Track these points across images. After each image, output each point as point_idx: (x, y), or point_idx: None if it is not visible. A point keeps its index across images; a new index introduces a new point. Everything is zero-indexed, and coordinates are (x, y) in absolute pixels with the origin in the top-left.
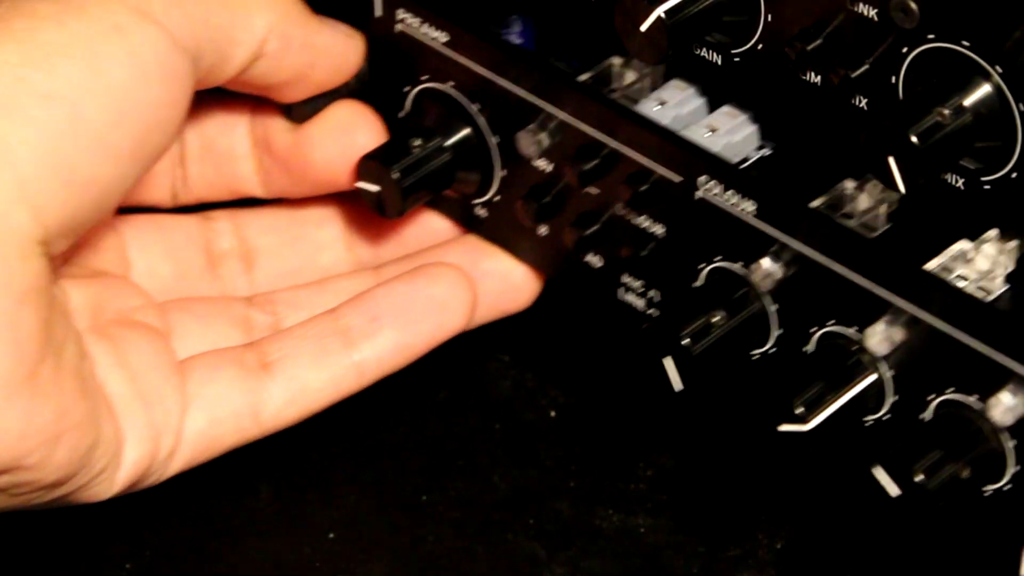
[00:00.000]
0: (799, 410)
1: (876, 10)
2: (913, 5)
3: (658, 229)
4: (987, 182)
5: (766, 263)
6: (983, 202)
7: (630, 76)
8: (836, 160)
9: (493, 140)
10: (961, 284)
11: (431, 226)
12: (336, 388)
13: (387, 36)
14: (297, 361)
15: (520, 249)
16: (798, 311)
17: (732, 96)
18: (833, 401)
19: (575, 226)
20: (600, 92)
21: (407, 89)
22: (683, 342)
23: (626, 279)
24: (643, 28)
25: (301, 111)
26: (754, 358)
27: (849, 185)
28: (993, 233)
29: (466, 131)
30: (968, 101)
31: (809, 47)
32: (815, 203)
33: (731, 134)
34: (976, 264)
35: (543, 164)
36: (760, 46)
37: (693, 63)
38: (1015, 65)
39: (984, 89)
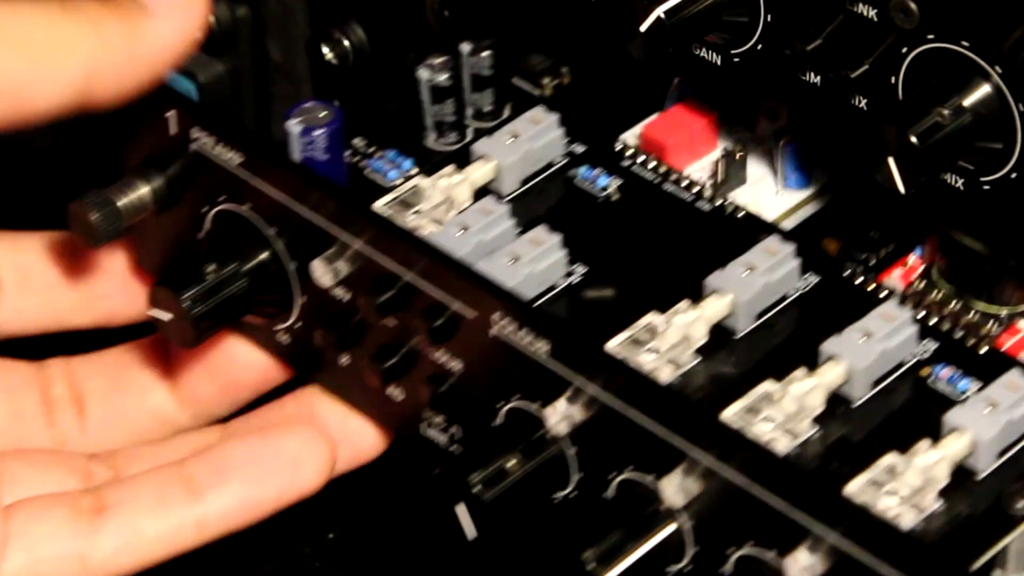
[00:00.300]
0: (590, 565)
1: (876, 10)
2: (913, 5)
3: (456, 364)
4: (987, 182)
5: (562, 405)
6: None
7: (436, 197)
8: (645, 289)
9: (291, 266)
10: (767, 427)
11: (248, 358)
12: (174, 540)
13: (183, 155)
14: (134, 507)
15: (324, 379)
16: (597, 455)
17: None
18: (632, 551)
19: (375, 358)
20: (395, 224)
21: (205, 209)
22: (474, 489)
23: (428, 413)
24: (643, 28)
25: (100, 230)
26: (556, 502)
27: (655, 319)
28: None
29: (263, 256)
30: (968, 101)
31: (809, 47)
32: (618, 339)
33: (535, 263)
34: (783, 406)
35: (341, 293)
36: (760, 46)
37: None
38: (1015, 65)
39: (984, 89)
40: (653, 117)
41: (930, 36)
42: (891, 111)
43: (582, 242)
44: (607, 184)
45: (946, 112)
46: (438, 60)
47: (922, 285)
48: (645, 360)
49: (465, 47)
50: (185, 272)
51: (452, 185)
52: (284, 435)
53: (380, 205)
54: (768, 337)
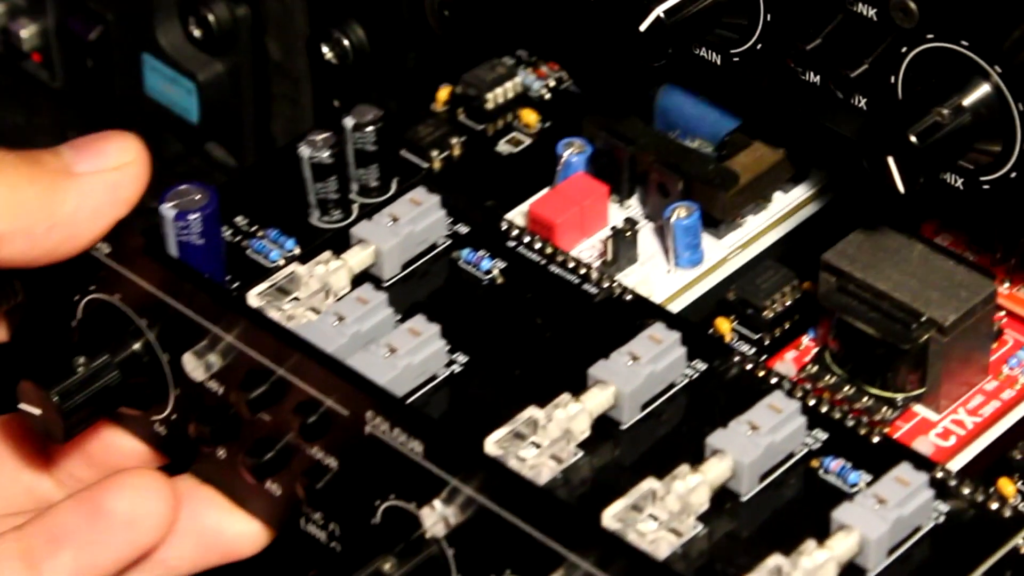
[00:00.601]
0: None
1: (875, 10)
2: (912, 5)
3: (332, 461)
4: (986, 182)
5: (438, 506)
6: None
7: (313, 284)
8: (529, 379)
9: (164, 357)
10: (650, 526)
11: (127, 445)
12: None
13: None
14: None
15: (203, 471)
16: (476, 557)
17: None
18: None
19: (249, 453)
20: (266, 317)
21: (76, 298)
22: None
23: (307, 509)
24: (642, 28)
25: None
26: None
27: (536, 413)
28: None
29: (135, 346)
30: (967, 101)
31: (808, 47)
32: (498, 433)
33: (413, 354)
34: (667, 503)
35: (215, 386)
36: (760, 46)
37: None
38: (1014, 65)
39: (983, 89)
40: (541, 193)
41: (929, 36)
42: (890, 111)
43: (465, 329)
44: (491, 267)
45: (945, 112)
46: (320, 136)
47: (815, 369)
48: (526, 456)
49: (348, 122)
50: (55, 365)
51: (329, 272)
52: (116, 492)
53: (255, 293)
54: (654, 428)
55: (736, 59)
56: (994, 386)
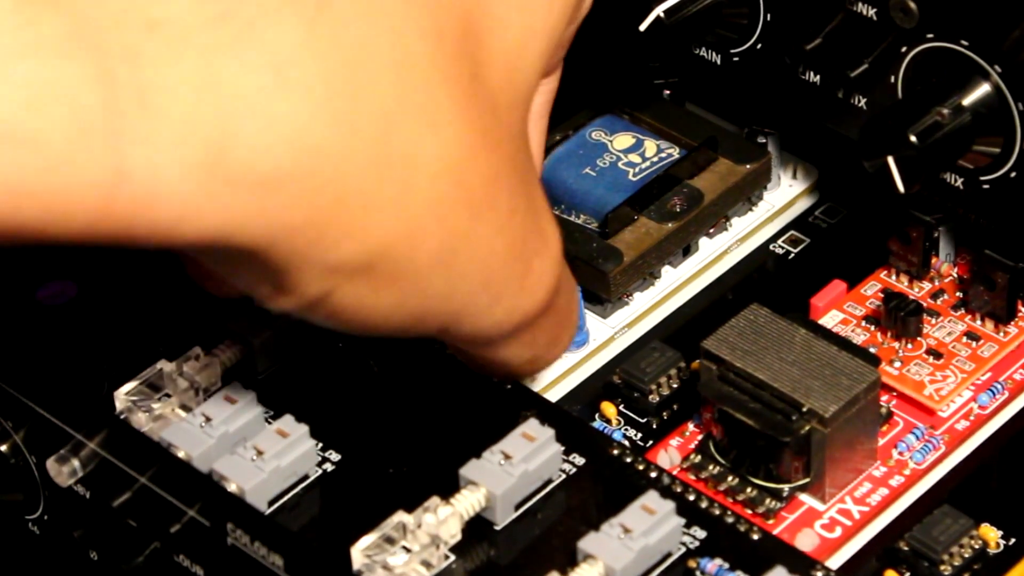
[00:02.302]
0: None
1: (875, 10)
2: (912, 5)
3: (198, 570)
4: (986, 182)
5: None
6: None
7: (182, 383)
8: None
9: (32, 460)
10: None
11: None
12: None
13: None
14: None
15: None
16: None
17: None
18: None
19: (120, 559)
20: (128, 424)
21: None
22: None
23: None
24: (642, 27)
25: None
26: None
27: (405, 517)
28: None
29: (2, 448)
30: (967, 100)
31: (808, 47)
32: (367, 540)
33: (281, 457)
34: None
35: (83, 490)
36: (760, 46)
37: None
38: (1014, 64)
39: (983, 88)
40: None
41: (930, 35)
42: (890, 110)
43: (339, 422)
44: (366, 356)
45: (945, 111)
46: None
47: (698, 459)
48: (396, 563)
49: None
50: None
51: (199, 368)
52: None
53: (123, 393)
54: (529, 528)
55: (736, 59)
56: (883, 472)
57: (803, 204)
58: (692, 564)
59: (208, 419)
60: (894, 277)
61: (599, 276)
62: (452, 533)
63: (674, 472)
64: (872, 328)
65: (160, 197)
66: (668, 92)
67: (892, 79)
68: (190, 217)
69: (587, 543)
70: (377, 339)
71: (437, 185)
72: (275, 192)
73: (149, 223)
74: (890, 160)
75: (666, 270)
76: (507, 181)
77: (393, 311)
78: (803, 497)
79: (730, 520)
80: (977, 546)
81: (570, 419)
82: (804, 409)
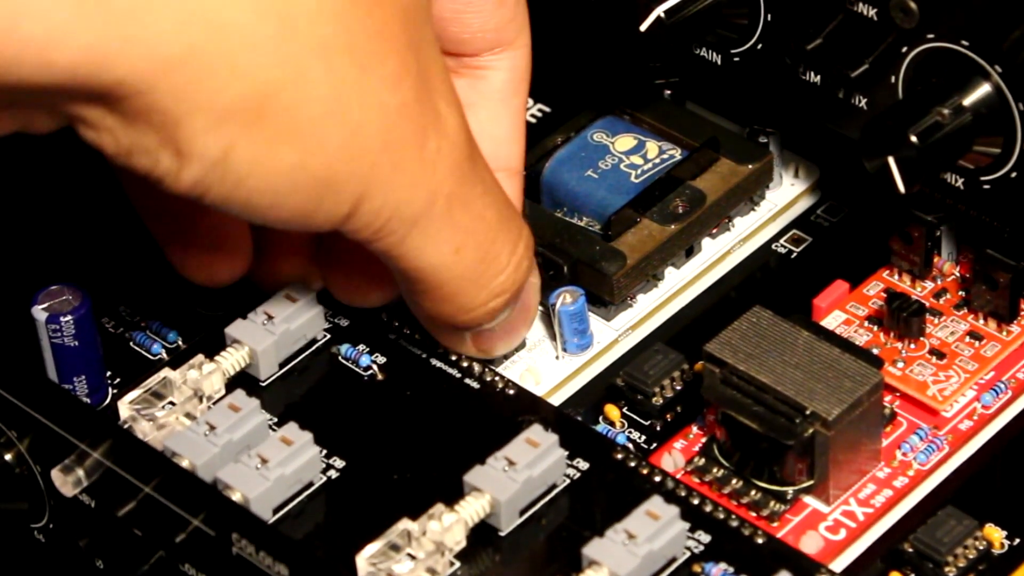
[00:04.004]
0: None
1: (875, 10)
2: (913, 5)
3: None
4: (987, 182)
5: None
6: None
7: (186, 390)
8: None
9: (37, 469)
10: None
11: None
12: None
13: None
14: None
15: None
16: None
17: None
18: None
19: (125, 568)
20: (131, 435)
21: None
22: None
23: None
24: (643, 28)
25: None
26: None
27: (409, 524)
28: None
29: (7, 457)
30: (968, 101)
31: (809, 47)
32: (372, 547)
33: (284, 465)
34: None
35: (87, 500)
36: (760, 46)
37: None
38: (1014, 64)
39: (984, 89)
40: None
41: (930, 35)
42: (891, 111)
43: (343, 430)
44: (370, 363)
45: (946, 111)
46: None
47: (702, 462)
48: (401, 570)
49: None
50: None
51: (203, 376)
52: None
53: (127, 402)
54: (534, 534)
55: (736, 59)
56: (886, 473)
57: (805, 203)
58: (697, 569)
59: (212, 427)
60: (896, 277)
61: (602, 279)
62: (457, 540)
63: (678, 475)
64: (875, 328)
65: (30, 16)
66: (669, 92)
67: (892, 79)
68: (61, 39)
69: (591, 549)
70: (378, 340)
71: (318, 27)
72: (147, 19)
73: (18, 44)
74: (890, 160)
75: (669, 271)
76: (395, 43)
77: (297, 173)
78: (807, 499)
79: (734, 524)
80: (981, 547)
81: (574, 424)
82: (807, 412)
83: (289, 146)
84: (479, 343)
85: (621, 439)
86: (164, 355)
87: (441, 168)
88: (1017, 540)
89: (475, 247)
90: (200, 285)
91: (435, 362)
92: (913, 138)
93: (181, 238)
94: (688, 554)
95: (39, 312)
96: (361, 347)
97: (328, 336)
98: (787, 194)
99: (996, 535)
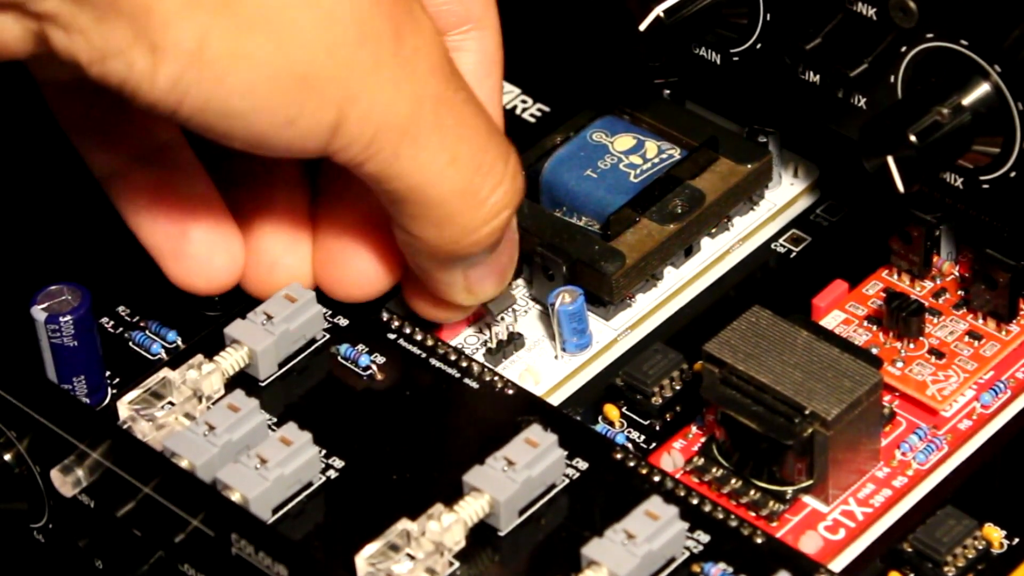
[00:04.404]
0: None
1: (875, 9)
2: (912, 4)
3: None
4: (986, 181)
5: None
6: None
7: (185, 390)
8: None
9: (36, 469)
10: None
11: None
12: None
13: None
14: None
15: None
16: None
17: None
18: None
19: (125, 568)
20: (131, 435)
21: None
22: None
23: None
24: (642, 27)
25: None
26: None
27: (409, 525)
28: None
29: (6, 457)
30: (967, 100)
31: (808, 47)
32: (371, 548)
33: (284, 465)
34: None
35: (87, 500)
36: (760, 46)
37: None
38: (1014, 64)
39: (983, 88)
40: None
41: (929, 35)
42: (890, 110)
43: (342, 430)
44: (369, 363)
45: (945, 111)
46: None
47: (701, 462)
48: (400, 571)
49: None
50: None
51: (202, 377)
52: None
53: (126, 402)
54: (533, 534)
55: (735, 59)
56: (886, 473)
57: (804, 202)
58: (696, 569)
59: (211, 427)
60: (895, 276)
61: (601, 278)
62: (456, 540)
63: (677, 475)
64: (874, 328)
65: None
66: (668, 92)
67: (892, 79)
68: None
69: (591, 549)
70: (378, 340)
71: None
72: None
73: None
74: (890, 160)
75: (668, 271)
76: None
77: (275, 66)
78: (806, 499)
79: (733, 524)
80: (981, 547)
81: (573, 424)
82: (807, 412)
83: (262, 34)
84: (472, 281)
85: (620, 439)
86: (163, 355)
87: (422, 68)
88: (1016, 540)
89: (470, 156)
90: (198, 294)
91: (434, 362)
92: (912, 138)
93: (174, 248)
94: (687, 554)
95: (38, 312)
96: (360, 347)
97: (327, 336)
98: (786, 194)
99: (995, 535)
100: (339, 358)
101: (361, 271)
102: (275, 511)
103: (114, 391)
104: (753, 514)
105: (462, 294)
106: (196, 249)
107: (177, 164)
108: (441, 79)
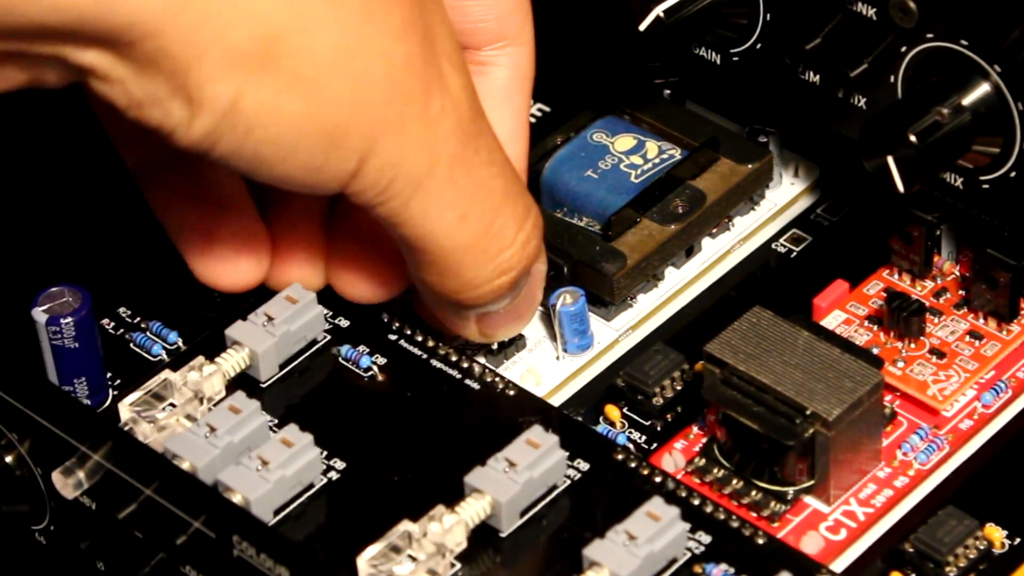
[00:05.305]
0: None
1: (875, 9)
2: (912, 4)
3: None
4: (986, 181)
5: None
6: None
7: (187, 391)
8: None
9: (38, 471)
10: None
11: None
12: None
13: None
14: None
15: None
16: None
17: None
18: None
19: (126, 570)
20: (131, 437)
21: None
22: None
23: None
24: (642, 27)
25: None
26: None
27: (410, 526)
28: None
29: (8, 459)
30: (967, 100)
31: (808, 47)
32: (372, 550)
33: (285, 467)
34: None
35: (88, 502)
36: (760, 46)
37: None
38: (1014, 64)
39: (983, 88)
40: None
41: (929, 35)
42: (890, 110)
43: (343, 431)
44: (370, 364)
45: (945, 111)
46: None
47: (703, 462)
48: (402, 572)
49: None
50: None
51: (203, 378)
52: None
53: (127, 404)
54: (535, 535)
55: (735, 59)
56: (887, 473)
57: (805, 202)
58: (698, 570)
59: (212, 429)
60: (896, 276)
61: (602, 279)
62: (458, 541)
63: (679, 476)
64: (875, 328)
65: None
66: (668, 92)
67: (892, 79)
68: None
69: (592, 550)
70: (379, 341)
71: None
72: None
73: None
74: (890, 160)
75: (669, 271)
76: None
77: (304, 123)
78: (808, 500)
79: (735, 525)
80: (982, 547)
81: (574, 424)
82: (808, 412)
83: (297, 94)
84: (483, 326)
85: (621, 440)
86: (164, 356)
87: (445, 128)
88: (1018, 540)
89: (479, 216)
90: (224, 292)
91: (436, 363)
92: (912, 138)
93: (202, 246)
94: (689, 555)
95: (39, 314)
96: (361, 348)
97: (328, 337)
98: (787, 193)
99: (997, 535)
100: (340, 359)
101: (374, 273)
102: (276, 513)
103: (115, 393)
104: (754, 515)
105: (474, 335)
106: (223, 248)
107: (211, 164)
108: (462, 139)
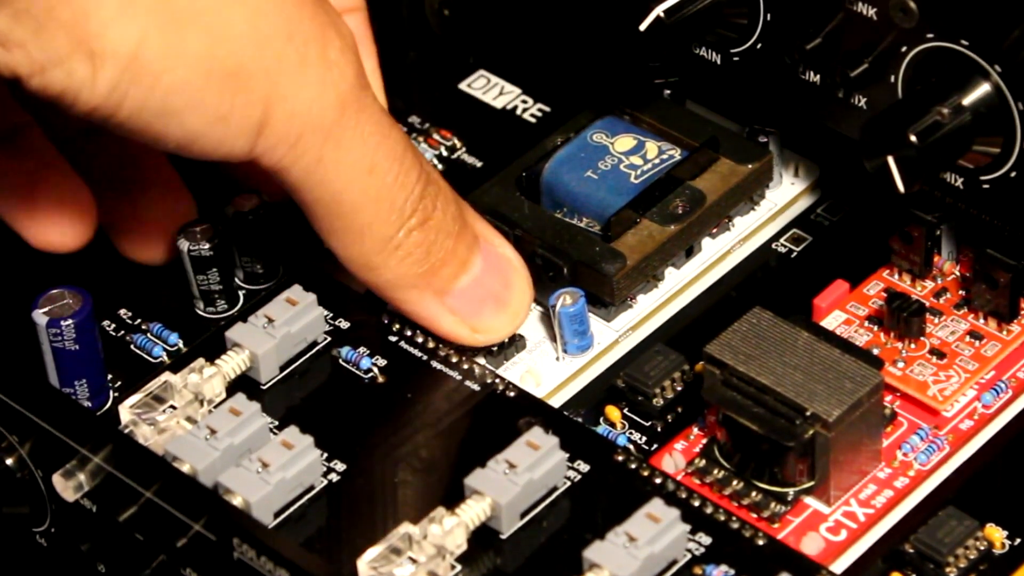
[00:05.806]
0: None
1: (875, 9)
2: (912, 4)
3: None
4: (986, 181)
5: None
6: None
7: (187, 394)
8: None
9: (38, 474)
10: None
11: None
12: None
13: None
14: None
15: None
16: None
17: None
18: None
19: (127, 572)
20: (132, 440)
21: None
22: None
23: None
24: (642, 28)
25: None
26: None
27: (410, 528)
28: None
29: (8, 461)
30: (967, 100)
31: (808, 46)
32: (372, 552)
33: (286, 468)
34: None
35: (89, 504)
36: (760, 46)
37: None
38: (1014, 64)
39: (983, 88)
40: None
41: (930, 35)
42: (890, 110)
43: (344, 433)
44: (370, 366)
45: (946, 111)
46: (199, 228)
47: (703, 463)
48: (403, 573)
49: (230, 210)
50: None
51: (203, 380)
52: None
53: (128, 406)
54: (535, 537)
55: (736, 58)
56: (887, 474)
57: (805, 202)
58: (698, 571)
59: (213, 431)
60: (896, 276)
61: (602, 279)
62: (458, 543)
63: (679, 476)
64: (875, 328)
65: None
66: (668, 92)
67: (892, 79)
68: None
69: (592, 552)
70: (379, 343)
71: None
72: None
73: None
74: (890, 160)
75: (669, 272)
76: None
77: (207, 62)
78: (808, 500)
79: (735, 526)
80: (982, 547)
81: (574, 426)
82: (808, 413)
83: (197, 30)
84: (464, 316)
85: (622, 440)
86: (165, 358)
87: (346, 73)
88: (1018, 540)
89: (387, 166)
90: (56, 252)
91: (436, 365)
92: (913, 137)
93: (24, 208)
94: (689, 556)
95: (40, 316)
96: (362, 350)
97: (329, 339)
98: (787, 193)
99: (997, 535)
100: (340, 361)
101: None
102: (277, 515)
103: (116, 395)
104: (755, 516)
105: (465, 333)
106: (45, 206)
107: (29, 142)
108: (362, 84)
